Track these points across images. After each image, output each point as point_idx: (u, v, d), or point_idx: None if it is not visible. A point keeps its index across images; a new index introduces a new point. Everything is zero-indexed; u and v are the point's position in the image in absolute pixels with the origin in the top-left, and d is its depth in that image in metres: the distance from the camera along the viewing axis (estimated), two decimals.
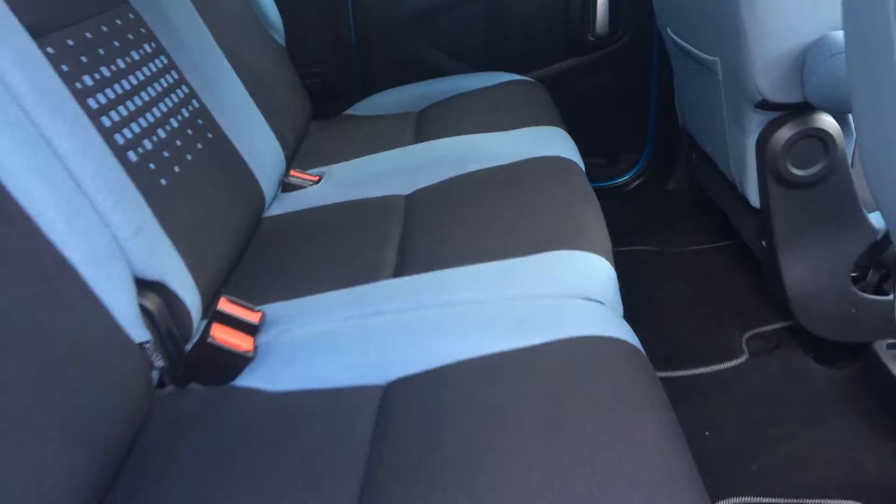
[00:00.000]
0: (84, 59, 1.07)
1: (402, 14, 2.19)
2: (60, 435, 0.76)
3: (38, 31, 0.98)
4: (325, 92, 2.17)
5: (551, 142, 1.56)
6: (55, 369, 0.79)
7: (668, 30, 1.87)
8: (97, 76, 1.08)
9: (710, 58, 1.58)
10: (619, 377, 0.86)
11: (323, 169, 1.65)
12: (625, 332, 0.95)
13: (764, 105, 1.42)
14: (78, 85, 1.02)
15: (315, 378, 0.97)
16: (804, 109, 1.42)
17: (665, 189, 2.38)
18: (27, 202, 0.85)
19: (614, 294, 1.05)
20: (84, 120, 0.98)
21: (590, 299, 1.01)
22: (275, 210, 1.51)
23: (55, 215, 0.87)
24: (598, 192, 1.47)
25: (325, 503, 0.77)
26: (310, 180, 1.60)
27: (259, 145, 1.51)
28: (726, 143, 1.64)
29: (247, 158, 1.44)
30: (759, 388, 1.58)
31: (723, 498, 1.31)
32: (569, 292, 1.03)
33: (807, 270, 1.55)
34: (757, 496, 1.31)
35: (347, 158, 1.69)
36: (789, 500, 1.29)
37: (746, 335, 1.72)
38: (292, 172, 1.61)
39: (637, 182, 2.42)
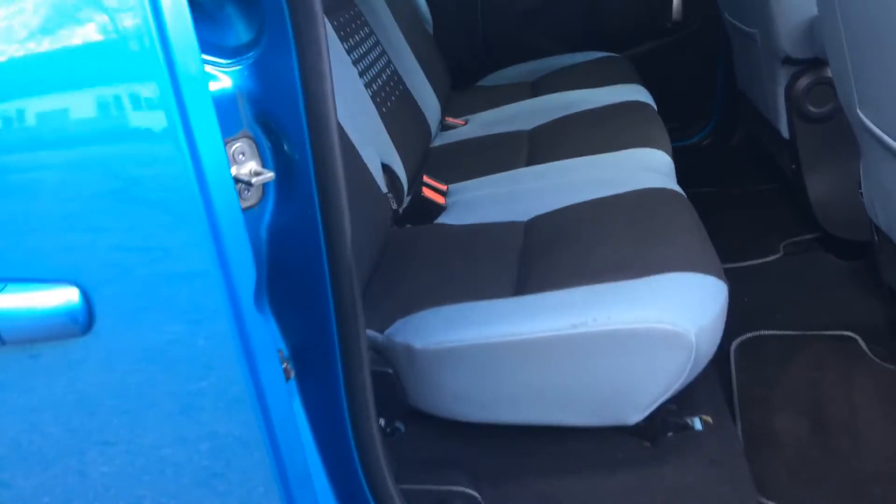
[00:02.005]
0: (342, 32, 1.77)
1: (519, 9, 2.85)
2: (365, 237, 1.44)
3: (325, 11, 1.69)
4: (459, 70, 2.84)
5: (632, 93, 2.18)
6: (362, 196, 1.47)
7: (726, 13, 2.44)
8: (349, 43, 1.78)
9: (752, 30, 2.15)
10: (669, 202, 1.47)
11: (467, 116, 2.32)
12: (674, 186, 1.56)
13: (788, 61, 1.98)
14: (344, 46, 1.72)
15: (483, 217, 1.62)
16: (818, 63, 1.97)
17: (730, 145, 2.93)
18: None
19: (670, 170, 1.67)
20: (351, 65, 1.68)
21: (654, 171, 1.63)
22: (437, 143, 2.18)
23: (343, 116, 1.56)
24: (674, 150, 2.06)
25: (504, 263, 1.42)
26: (459, 123, 2.27)
27: (426, 98, 2.19)
28: (766, 94, 2.20)
29: (421, 106, 2.12)
30: (788, 274, 2.13)
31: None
32: (639, 168, 1.65)
33: (825, 185, 2.09)
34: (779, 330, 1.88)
35: (483, 110, 2.35)
36: (799, 332, 1.85)
37: (783, 242, 2.27)
38: (447, 119, 2.29)
39: (707, 141, 2.98)
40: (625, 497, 1.18)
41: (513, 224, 1.57)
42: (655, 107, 2.13)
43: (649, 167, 1.66)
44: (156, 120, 0.61)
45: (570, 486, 1.20)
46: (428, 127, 2.11)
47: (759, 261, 2.21)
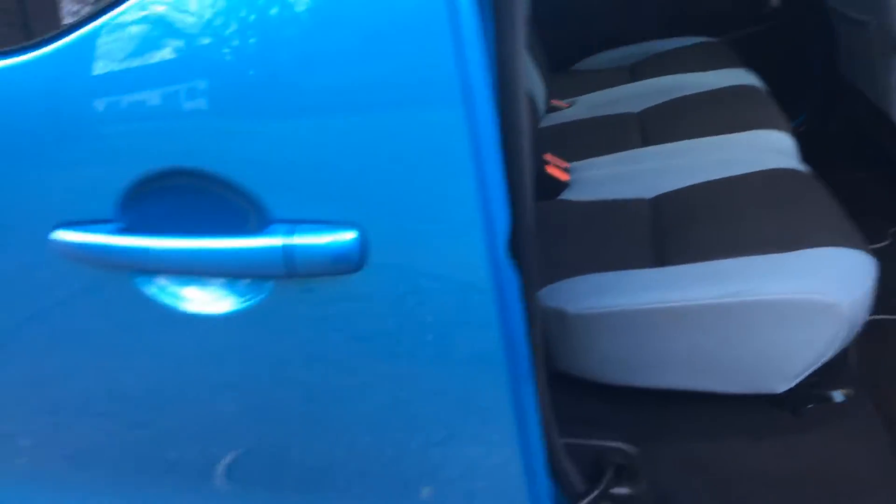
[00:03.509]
0: None
1: None
2: None
3: None
4: (553, 53, 2.87)
5: (740, 77, 2.18)
6: None
7: (832, 1, 2.43)
8: None
9: (864, 18, 2.14)
10: (802, 181, 1.49)
11: (571, 99, 2.36)
12: (800, 166, 1.57)
13: None
14: None
15: (607, 194, 1.66)
16: None
17: (827, 132, 2.91)
18: None
19: (794, 150, 1.68)
20: None
21: (778, 152, 1.65)
22: (545, 124, 2.23)
23: None
24: None
25: (637, 236, 1.45)
26: (563, 106, 2.31)
27: (533, 80, 2.23)
28: (877, 81, 2.18)
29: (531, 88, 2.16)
30: None
31: None
32: (763, 149, 1.67)
33: None
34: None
35: (585, 93, 2.38)
36: None
37: (891, 229, 2.26)
38: (552, 101, 2.33)
39: (804, 128, 2.95)
40: (769, 464, 1.22)
41: (638, 200, 1.60)
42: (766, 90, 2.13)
43: (774, 148, 1.68)
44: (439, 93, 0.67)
45: (715, 450, 1.24)
46: (538, 108, 2.15)
47: (870, 247, 2.20)
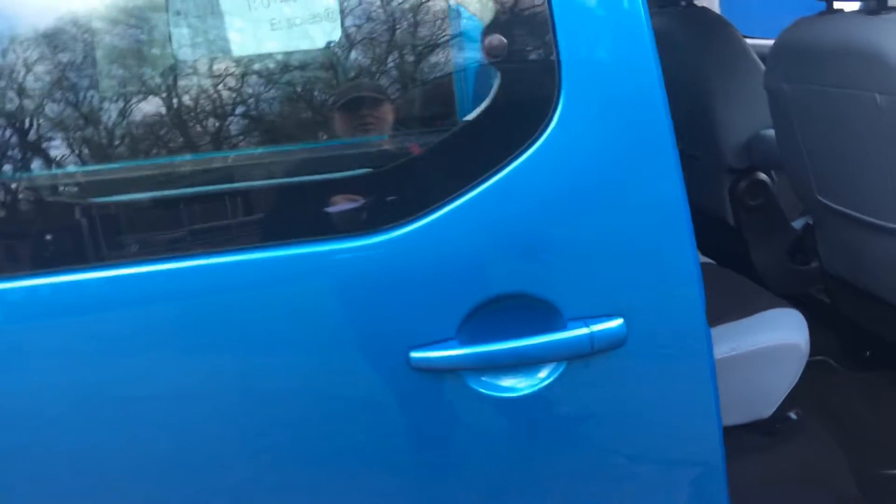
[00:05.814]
0: None
1: None
2: None
3: None
4: None
5: None
6: None
7: None
8: None
9: (696, 153, 2.91)
10: (717, 270, 2.06)
11: None
12: (710, 260, 2.16)
13: (730, 170, 2.73)
14: None
15: None
16: (752, 169, 2.74)
17: None
18: None
19: None
20: None
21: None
22: None
23: None
24: None
25: None
26: None
27: None
28: (711, 195, 2.93)
29: None
30: None
31: None
32: None
33: (765, 255, 2.82)
34: None
35: None
36: None
37: None
38: None
39: None
40: (772, 469, 1.68)
41: None
42: None
43: None
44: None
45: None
46: None
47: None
